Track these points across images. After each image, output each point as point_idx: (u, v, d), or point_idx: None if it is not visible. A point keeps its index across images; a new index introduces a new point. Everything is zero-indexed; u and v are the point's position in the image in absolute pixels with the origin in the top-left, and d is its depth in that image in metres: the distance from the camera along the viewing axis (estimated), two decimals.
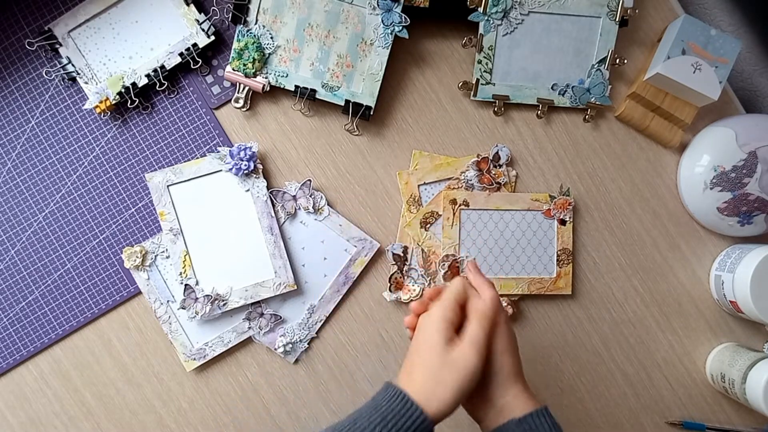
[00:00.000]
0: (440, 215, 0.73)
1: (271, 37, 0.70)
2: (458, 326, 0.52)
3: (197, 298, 0.70)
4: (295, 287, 0.71)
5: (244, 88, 0.71)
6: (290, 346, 0.72)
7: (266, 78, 0.70)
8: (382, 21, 0.69)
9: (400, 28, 0.69)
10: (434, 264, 0.72)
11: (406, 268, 0.72)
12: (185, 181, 0.71)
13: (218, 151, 0.71)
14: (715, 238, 0.76)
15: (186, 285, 0.70)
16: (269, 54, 0.70)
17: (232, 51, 0.70)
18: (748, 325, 0.75)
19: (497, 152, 0.73)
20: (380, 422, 0.46)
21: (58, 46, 0.70)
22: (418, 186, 0.73)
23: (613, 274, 0.75)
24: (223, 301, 0.70)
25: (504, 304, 0.72)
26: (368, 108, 0.71)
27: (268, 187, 0.71)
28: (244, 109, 0.72)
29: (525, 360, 0.75)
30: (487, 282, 0.56)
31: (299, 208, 0.72)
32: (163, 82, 0.71)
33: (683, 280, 0.75)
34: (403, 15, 0.68)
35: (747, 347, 0.72)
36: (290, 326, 0.72)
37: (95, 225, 0.72)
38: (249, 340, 0.72)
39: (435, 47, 0.74)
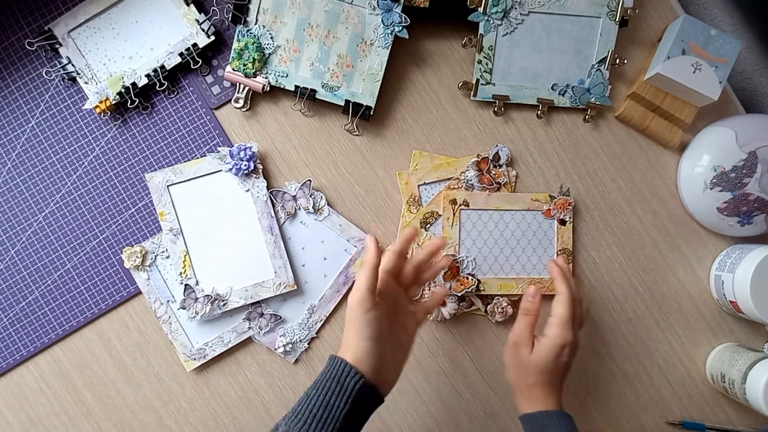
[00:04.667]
0: (440, 215, 0.73)
1: (271, 37, 0.70)
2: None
3: (197, 298, 0.70)
4: (295, 287, 0.71)
5: (244, 88, 0.71)
6: (290, 346, 0.72)
7: (266, 78, 0.70)
8: (382, 21, 0.69)
9: (400, 28, 0.69)
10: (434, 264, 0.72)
11: None
12: (185, 181, 0.71)
13: (218, 151, 0.71)
14: (715, 238, 0.76)
15: (186, 285, 0.70)
16: (269, 54, 0.70)
17: (232, 51, 0.70)
18: (748, 325, 0.75)
19: (497, 152, 0.73)
20: (313, 386, 0.53)
21: (58, 46, 0.70)
22: (418, 186, 0.73)
23: (613, 274, 0.75)
24: (223, 301, 0.70)
25: (504, 304, 0.72)
26: (368, 108, 0.71)
27: (268, 187, 0.71)
28: (244, 109, 0.72)
29: None
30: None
31: (299, 208, 0.72)
32: (163, 82, 0.71)
33: (683, 280, 0.75)
34: (403, 15, 0.68)
35: (747, 347, 0.72)
36: (290, 326, 0.72)
37: (95, 225, 0.72)
38: (249, 340, 0.72)
39: (435, 47, 0.74)
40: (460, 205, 0.72)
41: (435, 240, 0.67)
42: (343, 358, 0.53)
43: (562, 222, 0.73)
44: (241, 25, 0.69)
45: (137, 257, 0.71)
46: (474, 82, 0.72)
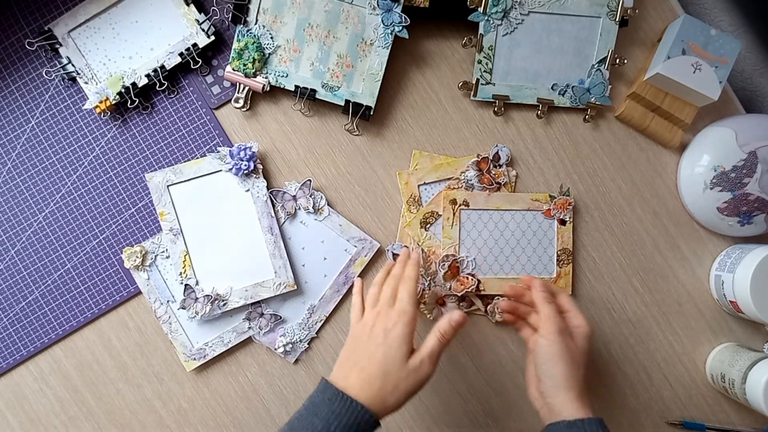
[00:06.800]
0: (440, 215, 0.73)
1: (271, 37, 0.70)
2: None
3: (197, 298, 0.70)
4: (295, 287, 0.71)
5: (244, 88, 0.71)
6: (290, 346, 0.72)
7: (266, 78, 0.70)
8: (382, 21, 0.69)
9: (400, 28, 0.69)
10: (434, 264, 0.72)
11: None
12: (185, 181, 0.71)
13: (218, 151, 0.71)
14: (715, 238, 0.76)
15: (186, 285, 0.70)
16: (269, 54, 0.70)
17: (232, 51, 0.70)
18: (748, 325, 0.75)
19: (497, 152, 0.73)
20: (325, 426, 0.50)
21: (58, 46, 0.70)
22: (418, 186, 0.73)
23: (613, 274, 0.75)
24: (223, 301, 0.70)
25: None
26: (368, 108, 0.71)
27: (268, 187, 0.71)
28: (244, 109, 0.72)
29: (523, 360, 0.75)
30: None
31: (299, 208, 0.72)
32: (163, 82, 0.71)
33: (683, 280, 0.75)
34: (403, 15, 0.68)
35: (747, 347, 0.72)
36: (290, 326, 0.72)
37: (95, 225, 0.72)
38: (249, 340, 0.72)
39: (435, 47, 0.74)
40: (460, 205, 0.72)
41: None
42: (363, 406, 0.51)
43: (562, 222, 0.73)
44: (241, 25, 0.69)
45: (137, 257, 0.71)
46: (474, 82, 0.72)
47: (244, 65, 0.69)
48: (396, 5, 0.68)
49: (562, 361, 0.57)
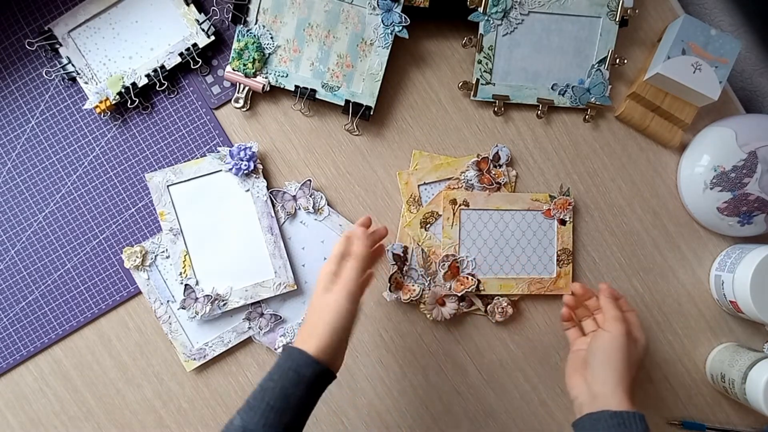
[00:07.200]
0: (440, 215, 0.73)
1: (271, 37, 0.70)
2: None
3: (197, 298, 0.70)
4: (295, 287, 0.71)
5: (244, 88, 0.71)
6: None
7: (266, 78, 0.70)
8: (382, 21, 0.69)
9: (400, 28, 0.69)
10: (434, 264, 0.72)
11: (406, 268, 0.72)
12: (185, 181, 0.71)
13: (218, 151, 0.71)
14: (715, 238, 0.76)
15: (186, 285, 0.70)
16: (269, 54, 0.70)
17: (232, 51, 0.70)
18: (748, 325, 0.75)
19: (497, 152, 0.73)
20: (268, 378, 0.53)
21: (58, 46, 0.70)
22: (418, 186, 0.73)
23: (613, 274, 0.75)
24: (223, 301, 0.70)
25: (504, 304, 0.72)
26: (368, 108, 0.71)
27: (268, 187, 0.71)
28: (244, 109, 0.72)
29: (523, 360, 0.75)
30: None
31: (299, 208, 0.72)
32: (163, 82, 0.71)
33: (683, 280, 0.75)
34: (403, 15, 0.68)
35: (747, 347, 0.72)
36: (290, 326, 0.72)
37: (95, 225, 0.72)
38: (249, 340, 0.72)
39: (435, 47, 0.74)
40: (460, 205, 0.72)
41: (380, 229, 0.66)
42: (295, 347, 0.54)
43: (562, 222, 0.73)
44: (241, 25, 0.69)
45: (137, 257, 0.71)
46: (474, 82, 0.72)
47: (244, 65, 0.69)
48: (396, 5, 0.68)
49: (621, 355, 0.58)
